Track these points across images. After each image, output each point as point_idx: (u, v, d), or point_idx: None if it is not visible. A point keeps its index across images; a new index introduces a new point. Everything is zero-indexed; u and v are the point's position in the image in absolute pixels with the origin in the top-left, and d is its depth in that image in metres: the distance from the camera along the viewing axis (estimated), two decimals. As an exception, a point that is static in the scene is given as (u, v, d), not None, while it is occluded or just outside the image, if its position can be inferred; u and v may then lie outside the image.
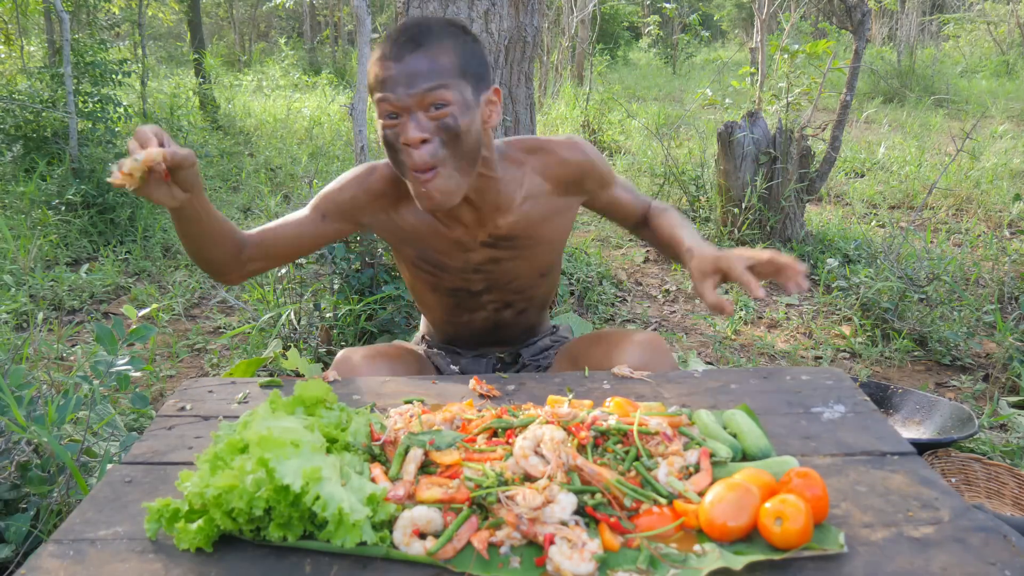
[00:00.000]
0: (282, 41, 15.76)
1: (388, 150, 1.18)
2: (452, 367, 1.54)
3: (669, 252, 1.42)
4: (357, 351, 1.42)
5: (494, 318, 1.47)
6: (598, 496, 0.87)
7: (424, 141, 1.13)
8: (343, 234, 1.38)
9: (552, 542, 0.80)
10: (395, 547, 0.81)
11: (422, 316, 1.63)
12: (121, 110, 4.91)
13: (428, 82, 1.11)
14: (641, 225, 1.50)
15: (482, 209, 1.30)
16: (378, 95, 1.15)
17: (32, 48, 7.12)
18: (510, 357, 1.57)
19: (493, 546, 0.81)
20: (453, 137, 1.14)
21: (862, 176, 5.89)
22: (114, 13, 7.37)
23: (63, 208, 4.18)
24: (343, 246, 2.72)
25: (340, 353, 1.42)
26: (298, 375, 2.42)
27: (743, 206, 4.04)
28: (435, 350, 1.57)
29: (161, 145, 1.05)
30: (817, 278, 3.67)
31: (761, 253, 1.15)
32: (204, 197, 1.17)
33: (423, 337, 1.63)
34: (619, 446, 0.96)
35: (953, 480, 1.99)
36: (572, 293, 3.45)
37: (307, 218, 1.35)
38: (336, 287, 2.76)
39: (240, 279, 1.36)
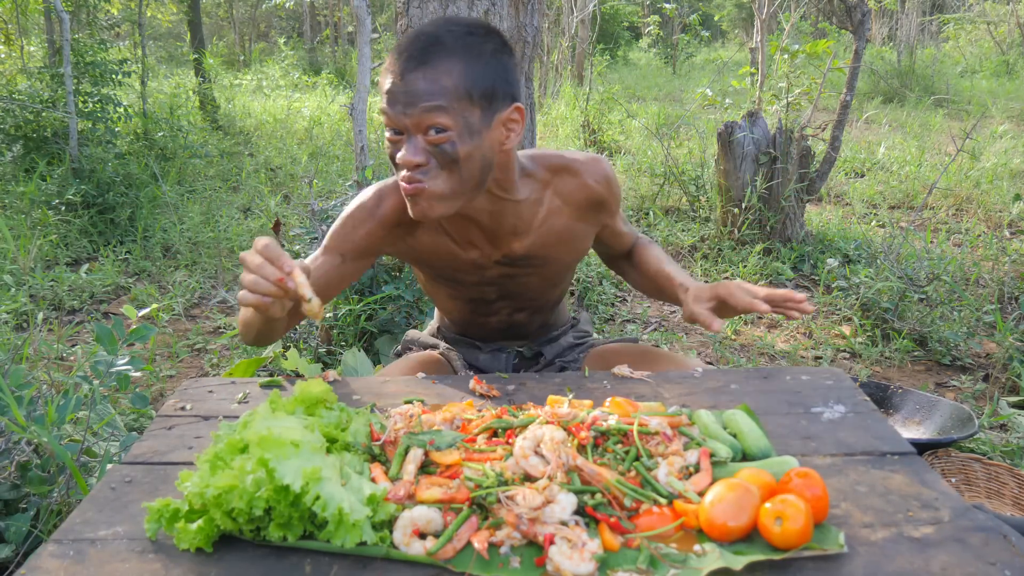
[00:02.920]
0: (281, 41, 15.76)
1: (391, 162, 1.15)
2: (468, 372, 1.51)
3: (652, 286, 1.43)
4: (396, 365, 1.46)
5: (508, 320, 1.47)
6: (598, 496, 0.87)
7: (418, 165, 1.08)
8: (365, 269, 1.33)
9: (552, 542, 0.79)
10: (395, 547, 0.81)
11: (435, 310, 1.62)
12: (121, 110, 4.91)
13: (426, 103, 1.05)
14: (623, 258, 1.50)
15: (497, 232, 1.27)
16: (381, 106, 1.12)
17: (32, 48, 7.11)
18: (530, 352, 1.56)
19: (493, 546, 0.81)
20: (450, 163, 1.09)
21: (862, 176, 5.89)
22: (114, 13, 7.37)
23: (63, 208, 4.18)
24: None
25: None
26: (298, 375, 2.42)
27: (743, 206, 4.04)
28: (452, 348, 1.55)
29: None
30: (817, 278, 3.67)
31: (759, 289, 1.21)
32: None
33: (438, 329, 1.62)
34: (619, 446, 0.96)
35: (953, 480, 1.99)
36: (572, 293, 3.45)
37: (327, 262, 1.27)
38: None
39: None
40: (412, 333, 1.64)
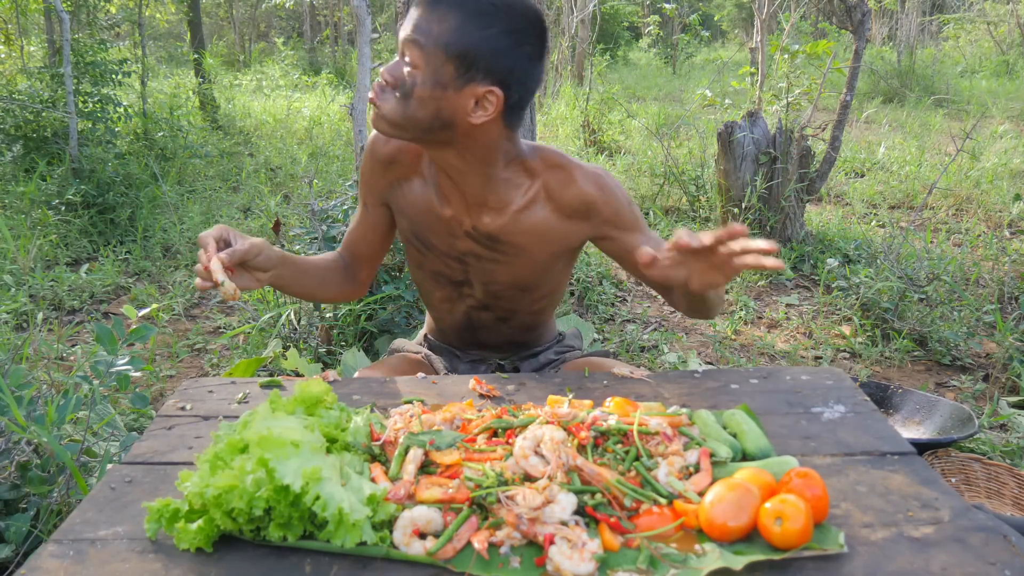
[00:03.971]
0: (280, 41, 15.76)
1: None
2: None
3: (686, 302, 1.28)
4: (377, 366, 1.49)
5: (472, 315, 1.45)
6: (598, 496, 0.87)
7: (387, 83, 1.16)
8: (388, 217, 1.42)
9: (552, 542, 0.80)
10: (395, 547, 0.81)
11: (427, 312, 1.62)
12: (121, 110, 4.91)
13: (413, 36, 1.13)
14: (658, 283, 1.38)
15: (466, 194, 1.28)
16: None
17: (32, 48, 7.11)
18: (510, 366, 1.55)
19: (493, 546, 0.81)
20: (406, 94, 1.15)
21: (862, 176, 5.89)
22: (113, 12, 7.37)
23: (63, 208, 4.18)
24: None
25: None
26: (298, 375, 2.42)
27: (743, 206, 4.04)
28: (434, 354, 1.56)
29: (228, 245, 1.14)
30: (817, 278, 3.67)
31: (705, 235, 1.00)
32: (290, 261, 1.26)
33: (425, 336, 1.62)
34: (619, 446, 0.96)
35: (953, 480, 1.99)
36: (572, 293, 3.45)
37: (357, 216, 1.43)
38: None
39: (364, 289, 1.48)
40: (399, 342, 1.64)
